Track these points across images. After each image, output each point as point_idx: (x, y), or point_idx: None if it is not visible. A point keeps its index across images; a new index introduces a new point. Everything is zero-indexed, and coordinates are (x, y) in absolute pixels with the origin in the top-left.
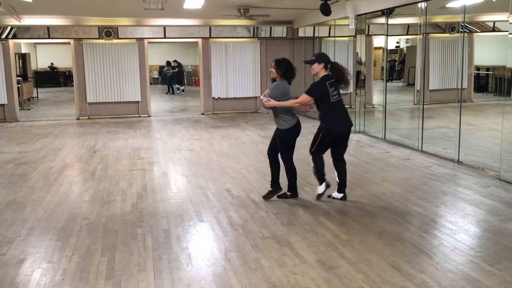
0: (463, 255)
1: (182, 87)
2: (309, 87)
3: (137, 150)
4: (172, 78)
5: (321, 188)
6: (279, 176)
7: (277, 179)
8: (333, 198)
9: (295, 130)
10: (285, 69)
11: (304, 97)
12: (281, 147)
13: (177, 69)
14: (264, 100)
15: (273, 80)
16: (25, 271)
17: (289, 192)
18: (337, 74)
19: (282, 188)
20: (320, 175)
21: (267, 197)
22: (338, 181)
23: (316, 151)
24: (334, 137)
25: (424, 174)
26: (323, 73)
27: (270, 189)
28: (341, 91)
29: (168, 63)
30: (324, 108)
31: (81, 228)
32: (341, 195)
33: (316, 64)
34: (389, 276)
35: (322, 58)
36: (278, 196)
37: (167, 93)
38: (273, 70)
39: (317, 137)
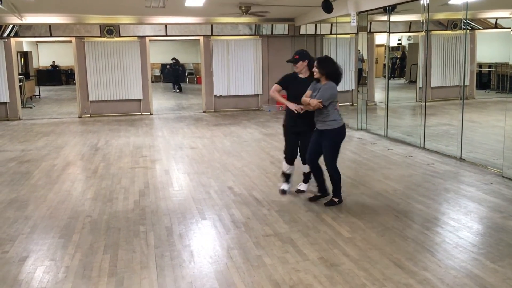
0: (466, 252)
1: (177, 86)
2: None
3: (139, 148)
4: (178, 75)
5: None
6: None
7: (325, 185)
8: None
9: (344, 129)
10: (328, 69)
11: None
12: (329, 150)
13: (168, 67)
14: (315, 104)
15: (317, 80)
16: (28, 269)
17: (336, 198)
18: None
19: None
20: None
21: (313, 199)
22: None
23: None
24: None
25: (426, 172)
26: (307, 73)
27: (319, 193)
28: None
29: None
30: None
31: (84, 226)
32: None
33: (300, 63)
34: (391, 273)
35: (304, 55)
36: (326, 204)
37: (178, 91)
38: (315, 70)
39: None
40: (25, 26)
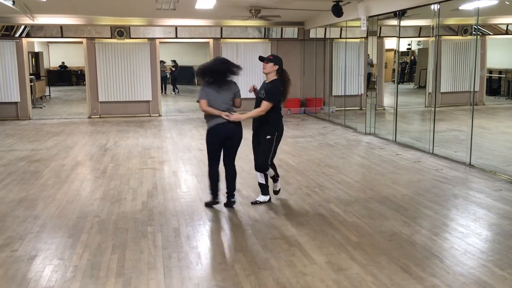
0: (474, 259)
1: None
2: (271, 94)
3: (147, 149)
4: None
5: (264, 198)
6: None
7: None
8: (260, 202)
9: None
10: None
11: (267, 105)
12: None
13: (174, 70)
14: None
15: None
16: (36, 267)
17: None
18: (282, 81)
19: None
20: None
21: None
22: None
23: (272, 159)
24: (281, 135)
25: (435, 177)
26: (273, 76)
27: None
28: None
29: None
30: (274, 111)
31: (92, 226)
32: (268, 197)
33: (271, 64)
34: (399, 278)
35: (278, 61)
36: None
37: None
38: (275, 66)
39: (271, 143)
40: (37, 26)
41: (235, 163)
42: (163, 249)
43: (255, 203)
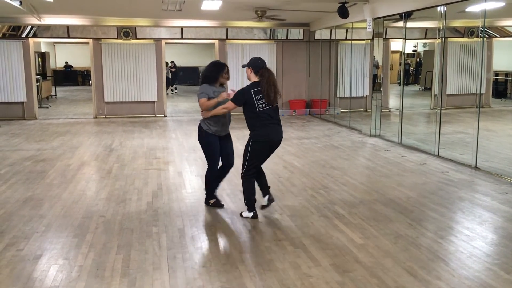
0: (480, 262)
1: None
2: (234, 95)
3: (153, 149)
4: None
5: (247, 214)
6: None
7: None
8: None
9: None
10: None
11: (229, 104)
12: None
13: (174, 69)
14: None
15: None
16: (42, 267)
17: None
18: (261, 82)
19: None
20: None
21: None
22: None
23: (248, 170)
24: (264, 146)
25: (441, 180)
26: (253, 78)
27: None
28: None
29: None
30: (249, 116)
31: (97, 226)
32: (266, 197)
33: (247, 69)
34: (404, 281)
35: (251, 62)
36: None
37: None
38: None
39: (247, 148)
40: (44, 27)
41: (209, 168)
42: (168, 250)
43: (240, 214)
